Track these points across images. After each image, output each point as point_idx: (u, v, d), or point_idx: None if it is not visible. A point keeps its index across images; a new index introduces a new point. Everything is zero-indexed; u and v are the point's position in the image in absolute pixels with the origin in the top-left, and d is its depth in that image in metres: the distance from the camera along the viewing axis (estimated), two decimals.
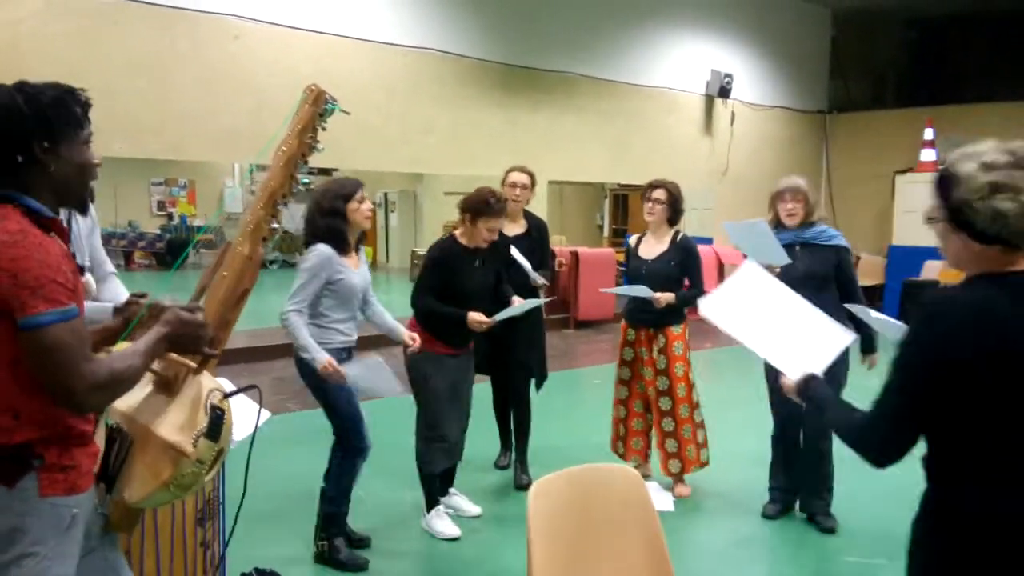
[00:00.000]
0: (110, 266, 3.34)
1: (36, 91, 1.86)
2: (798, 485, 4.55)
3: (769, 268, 4.23)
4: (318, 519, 3.98)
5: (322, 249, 3.77)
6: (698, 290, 4.84)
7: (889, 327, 3.00)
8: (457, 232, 4.32)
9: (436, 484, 4.34)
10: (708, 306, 2.48)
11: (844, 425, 1.91)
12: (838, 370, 4.29)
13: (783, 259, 4.17)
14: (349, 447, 3.85)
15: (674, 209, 4.86)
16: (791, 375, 2.15)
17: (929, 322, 1.74)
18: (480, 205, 4.15)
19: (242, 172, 18.50)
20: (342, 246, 3.80)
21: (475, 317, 4.09)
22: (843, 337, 2.34)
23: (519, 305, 4.30)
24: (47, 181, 1.87)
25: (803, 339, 2.31)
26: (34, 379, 1.80)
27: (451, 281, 4.17)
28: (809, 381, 2.10)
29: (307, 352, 3.67)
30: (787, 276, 4.15)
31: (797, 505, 4.61)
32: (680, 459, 4.84)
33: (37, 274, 1.75)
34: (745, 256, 4.36)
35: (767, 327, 2.38)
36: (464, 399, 4.35)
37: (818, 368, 2.18)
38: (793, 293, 2.49)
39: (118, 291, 3.24)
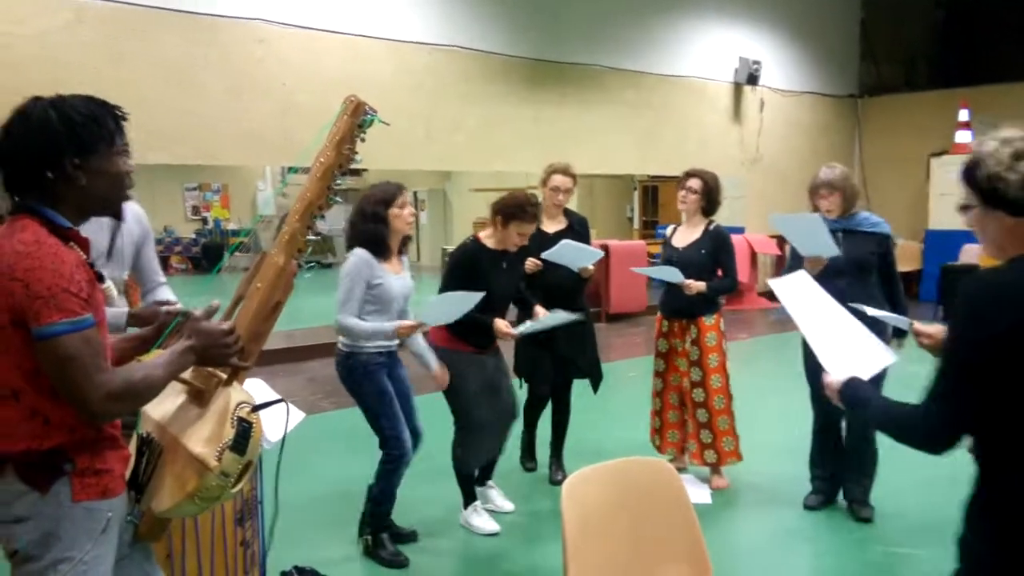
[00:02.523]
0: (161, 276, 3.36)
1: (70, 107, 1.87)
2: (841, 475, 4.51)
3: (817, 259, 4.18)
4: (363, 515, 4.04)
5: (360, 254, 3.80)
6: (731, 280, 4.80)
7: (896, 320, 3.03)
8: (482, 234, 4.27)
9: (472, 482, 4.37)
10: (778, 284, 2.53)
11: (892, 418, 1.90)
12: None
13: (833, 251, 4.10)
14: (389, 453, 3.88)
15: (709, 199, 4.82)
16: (834, 375, 2.13)
17: (973, 302, 1.75)
18: (515, 209, 4.08)
19: (273, 175, 18.65)
20: (381, 251, 3.82)
21: (501, 327, 4.04)
22: (885, 356, 2.34)
23: (545, 318, 4.23)
24: (75, 194, 1.89)
25: (848, 348, 2.31)
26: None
27: (475, 284, 3.99)
28: (850, 382, 2.08)
29: (377, 336, 3.71)
30: (831, 263, 4.15)
31: (840, 495, 4.56)
32: (716, 450, 4.80)
33: (49, 284, 1.76)
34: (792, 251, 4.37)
35: (820, 325, 2.39)
36: (504, 395, 4.33)
37: (863, 373, 2.16)
38: (842, 308, 2.49)
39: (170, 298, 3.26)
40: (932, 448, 1.82)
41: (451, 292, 3.84)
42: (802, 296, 2.48)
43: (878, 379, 4.18)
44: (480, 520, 4.32)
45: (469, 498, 4.35)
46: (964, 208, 1.89)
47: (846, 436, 4.43)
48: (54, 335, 1.76)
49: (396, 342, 3.94)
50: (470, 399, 4.16)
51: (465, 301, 3.74)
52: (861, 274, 4.24)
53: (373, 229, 3.80)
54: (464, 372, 4.16)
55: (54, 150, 1.85)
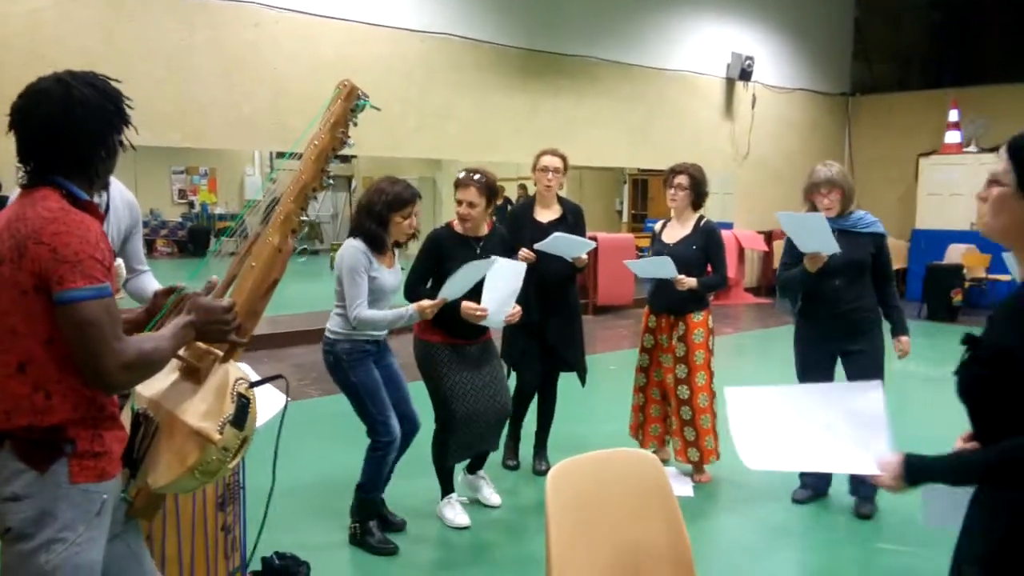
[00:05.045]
0: (144, 264, 3.34)
1: (105, 85, 1.93)
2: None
3: (817, 256, 4.20)
4: (353, 502, 4.02)
5: (357, 245, 3.79)
6: (720, 276, 4.80)
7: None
8: (455, 220, 4.29)
9: (450, 476, 4.33)
10: (751, 458, 2.08)
11: (1003, 462, 1.67)
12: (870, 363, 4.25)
13: (834, 248, 4.13)
14: (376, 441, 3.88)
15: (697, 193, 4.81)
16: (876, 470, 1.87)
17: None
18: (456, 179, 4.20)
19: (262, 160, 18.56)
20: (377, 247, 3.83)
21: (468, 307, 3.95)
22: (873, 393, 2.04)
23: (479, 267, 3.92)
24: (96, 169, 1.93)
25: (843, 425, 2.01)
26: (68, 357, 1.83)
27: (443, 267, 4.01)
28: (907, 465, 1.81)
29: (400, 321, 3.73)
30: (828, 264, 4.20)
31: (828, 489, 4.61)
32: (698, 448, 4.79)
33: (77, 249, 1.79)
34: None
35: (809, 438, 2.04)
36: (491, 388, 4.22)
37: (883, 443, 1.93)
38: (788, 388, 2.21)
39: (152, 287, 3.24)
40: None
41: (466, 264, 3.79)
42: (763, 427, 2.10)
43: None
44: (452, 513, 4.28)
45: (445, 490, 4.33)
46: (991, 183, 1.77)
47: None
48: (77, 300, 1.78)
49: (385, 332, 3.95)
50: (447, 391, 4.09)
51: (478, 270, 3.77)
52: (856, 274, 4.29)
53: (374, 229, 3.81)
54: (439, 363, 4.10)
55: (109, 127, 1.92)
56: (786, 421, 2.08)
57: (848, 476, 4.37)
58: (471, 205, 4.10)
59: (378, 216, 3.79)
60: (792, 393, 2.18)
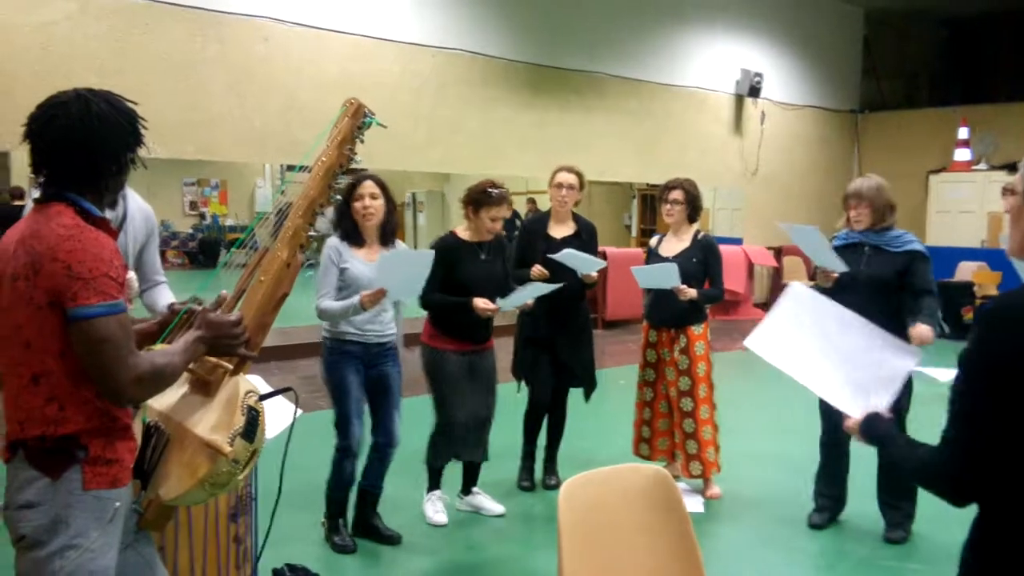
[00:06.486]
0: (161, 275, 3.37)
1: (122, 104, 1.97)
2: (844, 493, 4.47)
3: (827, 274, 4.20)
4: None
5: (330, 241, 3.95)
6: (718, 289, 4.83)
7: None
8: (459, 228, 4.40)
9: (436, 473, 4.46)
10: (755, 340, 2.24)
11: (912, 463, 1.72)
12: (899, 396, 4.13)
13: (837, 265, 4.12)
14: (337, 444, 4.01)
15: (692, 207, 4.85)
16: (853, 413, 1.95)
17: (993, 329, 1.55)
18: (479, 195, 4.23)
19: (273, 173, 18.63)
20: (355, 238, 3.92)
21: (479, 303, 4.11)
22: (908, 359, 2.06)
23: (527, 288, 4.19)
24: (102, 185, 1.95)
25: (863, 367, 2.04)
26: (81, 370, 1.85)
27: (452, 273, 4.19)
28: (872, 420, 1.89)
29: (348, 310, 3.76)
30: (851, 279, 4.15)
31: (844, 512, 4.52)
32: (701, 461, 4.78)
33: (91, 266, 1.82)
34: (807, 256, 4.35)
35: (822, 357, 2.10)
36: (479, 393, 4.33)
37: (884, 400, 1.96)
38: (848, 313, 2.19)
39: (166, 299, 3.27)
40: (953, 499, 1.62)
41: (399, 251, 3.96)
42: (792, 329, 2.19)
43: (898, 413, 3.98)
44: (431, 510, 4.43)
45: (431, 486, 4.47)
46: (1007, 192, 1.76)
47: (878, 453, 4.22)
48: (90, 316, 1.81)
49: (388, 332, 4.01)
50: (440, 397, 4.28)
51: (420, 262, 3.77)
52: (876, 292, 4.09)
53: (343, 221, 3.94)
54: (438, 369, 4.26)
55: (124, 145, 1.95)
56: (817, 332, 2.15)
57: (878, 501, 4.33)
58: (502, 219, 4.28)
59: (344, 206, 3.90)
60: (844, 316, 2.18)
